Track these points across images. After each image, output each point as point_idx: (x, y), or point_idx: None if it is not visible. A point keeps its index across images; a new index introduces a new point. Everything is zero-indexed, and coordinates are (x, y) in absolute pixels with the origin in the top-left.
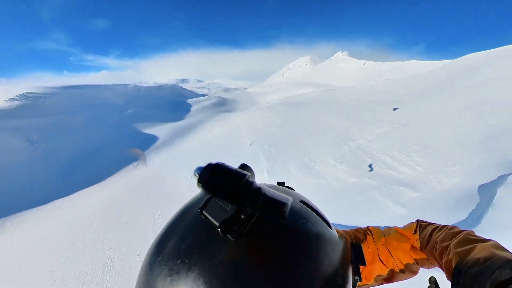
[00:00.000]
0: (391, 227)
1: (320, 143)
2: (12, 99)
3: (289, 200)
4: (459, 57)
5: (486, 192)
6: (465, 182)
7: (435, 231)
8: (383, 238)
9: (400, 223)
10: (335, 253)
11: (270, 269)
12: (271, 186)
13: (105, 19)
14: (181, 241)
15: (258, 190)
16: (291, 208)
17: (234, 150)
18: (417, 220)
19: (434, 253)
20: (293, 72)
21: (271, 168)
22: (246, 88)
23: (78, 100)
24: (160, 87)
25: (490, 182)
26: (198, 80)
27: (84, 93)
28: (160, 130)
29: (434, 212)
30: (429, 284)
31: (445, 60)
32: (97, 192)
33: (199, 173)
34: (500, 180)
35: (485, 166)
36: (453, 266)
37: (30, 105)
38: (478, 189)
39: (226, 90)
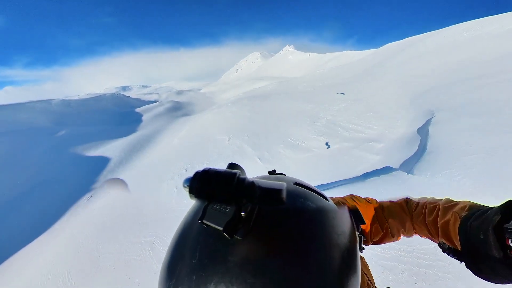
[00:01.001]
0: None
1: (294, 124)
2: None
3: (283, 185)
4: (381, 46)
5: (422, 132)
6: (408, 129)
7: (424, 211)
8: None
9: (380, 166)
10: (337, 220)
11: (283, 255)
12: (263, 177)
13: None
14: (190, 258)
15: (252, 184)
16: (287, 192)
17: (213, 148)
18: (406, 198)
19: (426, 223)
20: (246, 67)
21: (261, 155)
22: (200, 89)
23: None
24: (97, 98)
25: (422, 125)
26: (143, 86)
27: None
28: (110, 149)
29: (397, 152)
30: (441, 246)
31: (371, 49)
32: (49, 242)
33: (188, 184)
34: (427, 123)
35: (416, 117)
36: (457, 225)
37: None
38: (417, 131)
39: (179, 93)
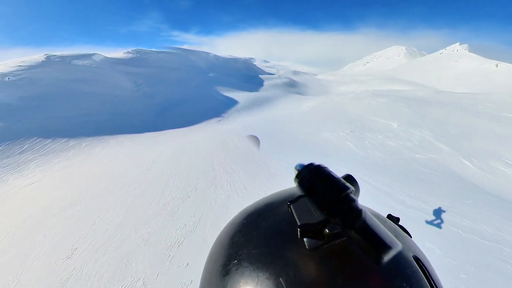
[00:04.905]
0: None
1: (497, 143)
2: (128, 52)
3: (398, 246)
4: None
5: None
6: None
7: None
8: None
9: None
10: None
11: None
12: (378, 216)
13: None
14: (263, 219)
15: (358, 212)
16: (396, 258)
17: (376, 127)
18: None
19: None
20: (379, 63)
21: (469, 160)
22: (315, 74)
23: (170, 63)
24: (235, 60)
25: None
26: (264, 61)
27: (173, 58)
28: (238, 96)
29: None
30: None
31: None
32: (188, 132)
33: (299, 169)
34: None
35: None
36: None
37: (140, 58)
38: None
39: (295, 73)
